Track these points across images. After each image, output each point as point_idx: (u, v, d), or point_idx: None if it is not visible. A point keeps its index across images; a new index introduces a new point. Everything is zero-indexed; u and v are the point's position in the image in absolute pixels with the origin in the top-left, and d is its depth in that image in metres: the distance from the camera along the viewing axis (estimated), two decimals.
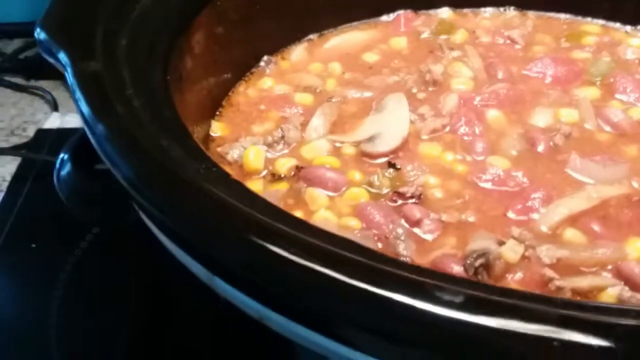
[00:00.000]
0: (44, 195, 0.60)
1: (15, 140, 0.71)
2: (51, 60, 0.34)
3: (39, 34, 0.35)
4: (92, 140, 0.29)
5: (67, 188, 0.41)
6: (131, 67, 0.34)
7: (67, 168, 0.41)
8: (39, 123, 0.73)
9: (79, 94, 0.30)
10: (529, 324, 0.20)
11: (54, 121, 0.74)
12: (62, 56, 0.33)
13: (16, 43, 0.84)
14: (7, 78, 0.79)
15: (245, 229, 0.23)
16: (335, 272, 0.21)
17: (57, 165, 0.41)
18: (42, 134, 0.69)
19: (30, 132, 0.72)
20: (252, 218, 0.24)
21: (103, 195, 0.40)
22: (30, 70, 0.80)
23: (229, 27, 0.48)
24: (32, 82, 0.79)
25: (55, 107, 0.76)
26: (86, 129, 0.29)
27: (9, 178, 0.63)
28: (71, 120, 0.74)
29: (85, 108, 0.29)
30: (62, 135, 0.69)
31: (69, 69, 0.32)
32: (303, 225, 0.25)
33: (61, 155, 0.42)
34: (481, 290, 0.21)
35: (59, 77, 0.78)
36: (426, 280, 0.21)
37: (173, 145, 0.29)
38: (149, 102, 0.32)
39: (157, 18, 0.40)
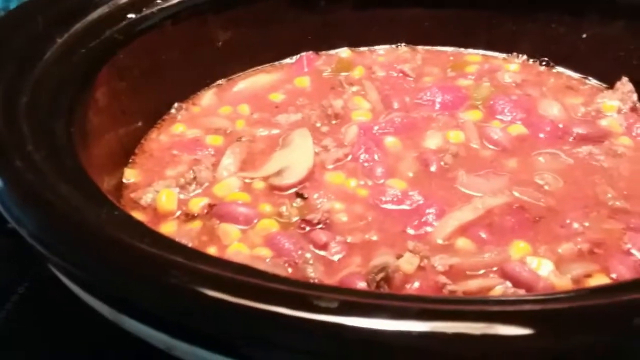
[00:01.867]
0: None
1: None
2: None
3: None
4: None
5: None
6: (32, 123, 0.36)
7: None
8: None
9: None
10: (397, 320, 0.23)
11: None
12: None
13: None
14: None
15: (146, 266, 0.25)
16: (223, 294, 0.23)
17: None
18: None
19: None
20: (149, 255, 0.26)
21: (17, 251, 0.40)
22: None
23: (134, 79, 0.50)
24: None
25: None
26: None
27: None
28: None
29: None
30: None
31: None
32: (199, 256, 0.27)
33: None
34: (357, 295, 0.24)
35: None
36: (307, 292, 0.23)
37: (74, 194, 0.30)
38: (50, 155, 0.33)
39: (59, 75, 0.41)
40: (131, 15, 0.48)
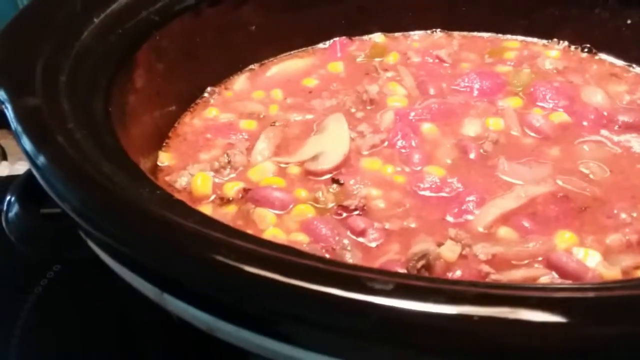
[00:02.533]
0: None
1: None
2: None
3: None
4: (36, 173, 0.29)
5: (16, 229, 0.40)
6: (72, 101, 0.35)
7: (15, 209, 0.41)
8: None
9: (19, 128, 0.31)
10: (452, 305, 0.22)
11: (2, 170, 0.73)
12: (1, 94, 0.33)
13: None
14: None
15: (193, 244, 0.24)
16: (274, 274, 0.23)
17: (5, 208, 0.41)
18: None
19: None
20: (196, 234, 0.25)
21: (53, 233, 0.40)
22: None
23: (170, 61, 0.49)
24: None
25: (3, 156, 0.75)
26: (29, 161, 0.30)
27: None
28: (20, 168, 0.73)
29: (26, 141, 0.30)
30: (11, 183, 0.68)
31: (8, 105, 0.32)
32: (244, 236, 0.26)
33: (8, 197, 0.41)
34: (410, 279, 0.23)
35: (6, 126, 0.78)
36: (360, 274, 0.23)
37: (116, 172, 0.30)
38: (91, 134, 0.33)
39: (97, 54, 0.41)
40: None
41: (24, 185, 0.41)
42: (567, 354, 0.21)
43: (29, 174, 0.41)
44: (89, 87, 0.38)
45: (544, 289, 0.24)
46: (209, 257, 0.24)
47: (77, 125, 0.33)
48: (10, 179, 0.70)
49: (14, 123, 0.31)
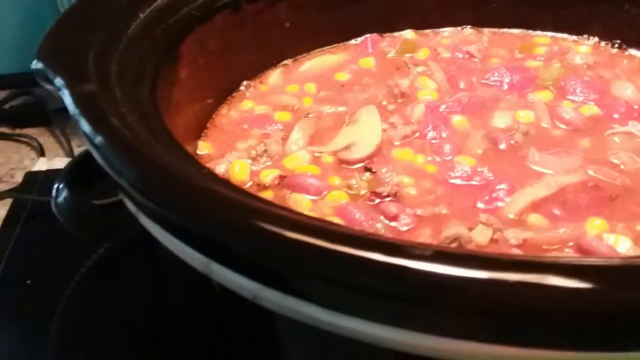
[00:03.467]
0: (37, 234, 0.62)
1: (3, 187, 0.73)
2: (49, 86, 0.37)
3: (36, 64, 0.38)
4: (94, 152, 0.32)
5: (65, 212, 0.43)
6: (122, 89, 0.37)
7: (63, 194, 0.43)
8: (26, 169, 0.75)
9: (77, 112, 0.33)
10: (495, 272, 0.23)
11: (41, 166, 0.76)
12: (58, 80, 0.36)
13: (0, 94, 0.87)
14: None
15: (242, 213, 0.26)
16: (319, 240, 0.24)
17: (54, 194, 0.43)
18: (31, 176, 0.71)
19: (18, 178, 0.74)
20: (245, 205, 0.27)
21: (99, 215, 0.43)
22: (16, 119, 0.83)
23: (210, 55, 0.51)
24: (18, 131, 0.82)
25: (41, 152, 0.78)
26: (87, 142, 0.32)
27: None
28: (59, 164, 0.76)
29: (84, 123, 0.32)
30: (50, 177, 0.71)
31: (66, 91, 0.35)
32: (289, 210, 0.28)
33: (56, 185, 0.44)
34: (447, 248, 0.24)
35: (45, 124, 0.82)
36: (398, 242, 0.24)
37: (167, 153, 0.32)
38: (141, 118, 0.35)
39: (143, 47, 0.43)
40: None
41: (70, 173, 0.44)
42: (595, 318, 0.22)
43: (73, 163, 0.44)
44: (136, 77, 0.40)
45: (575, 259, 0.25)
46: (258, 225, 0.25)
47: (128, 110, 0.35)
48: (49, 173, 0.73)
49: (72, 107, 0.34)
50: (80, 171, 0.42)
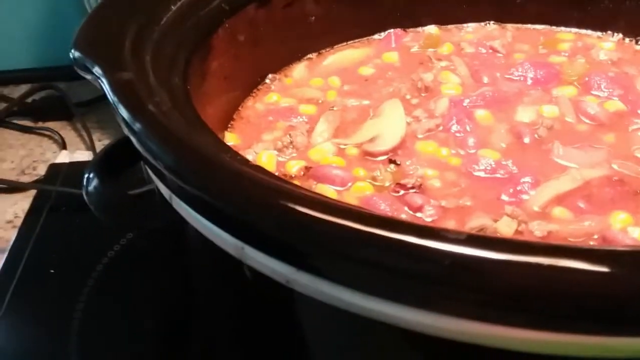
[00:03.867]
0: (60, 225, 0.63)
1: (26, 179, 0.74)
2: (87, 75, 0.38)
3: (74, 54, 0.39)
4: (132, 137, 0.33)
5: (96, 200, 0.44)
6: (156, 78, 0.39)
7: (94, 183, 0.44)
8: (48, 162, 0.77)
9: (115, 99, 0.34)
10: (527, 256, 0.23)
11: (63, 158, 0.77)
12: (97, 69, 0.37)
13: (23, 88, 0.89)
14: (16, 121, 0.84)
15: (277, 196, 0.27)
16: (354, 223, 0.25)
17: (84, 183, 0.44)
18: (54, 168, 0.73)
19: (41, 170, 0.76)
20: (280, 188, 0.28)
21: (130, 203, 0.44)
22: (38, 113, 0.85)
23: (238, 48, 0.52)
24: (40, 124, 0.84)
25: (63, 145, 0.80)
26: (125, 128, 0.33)
27: (22, 215, 0.66)
28: (80, 156, 0.78)
29: (123, 110, 0.33)
30: (73, 168, 0.72)
31: (104, 79, 0.36)
32: (322, 195, 0.29)
33: (86, 175, 0.45)
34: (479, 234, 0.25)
35: (66, 117, 0.84)
36: (432, 226, 0.25)
37: (201, 139, 0.33)
38: (176, 107, 0.36)
39: (175, 38, 0.44)
40: None
41: (100, 163, 0.45)
42: (619, 302, 0.23)
43: (103, 153, 0.45)
44: (169, 67, 0.41)
45: (608, 247, 0.25)
46: (292, 208, 0.26)
47: (163, 98, 0.36)
48: (72, 165, 0.74)
49: (110, 95, 0.35)
50: (110, 160, 0.43)
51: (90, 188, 0.44)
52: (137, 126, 0.32)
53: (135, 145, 0.32)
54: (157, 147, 0.31)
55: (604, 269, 0.23)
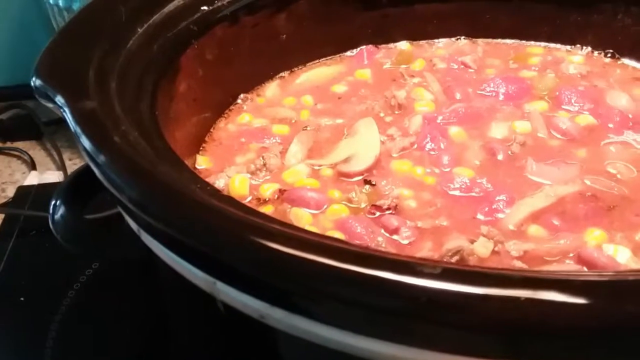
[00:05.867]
0: (30, 249, 0.61)
1: None
2: (48, 104, 0.37)
3: (35, 82, 0.38)
4: (95, 169, 0.31)
5: (63, 229, 0.42)
6: (122, 105, 0.37)
7: (61, 211, 0.43)
8: (17, 183, 0.75)
9: (78, 130, 0.33)
10: (503, 289, 0.23)
11: (32, 179, 0.75)
12: (59, 98, 0.36)
13: None
14: None
15: (247, 231, 0.26)
16: (329, 260, 0.24)
17: (51, 211, 0.43)
18: (22, 190, 0.71)
19: (10, 192, 0.73)
20: (250, 222, 0.27)
21: (97, 232, 0.42)
22: (6, 133, 0.83)
23: (206, 69, 0.51)
24: (8, 144, 0.81)
25: (33, 166, 0.78)
26: (88, 160, 0.32)
27: None
28: (50, 177, 0.76)
29: (85, 141, 0.32)
30: (43, 190, 0.70)
31: (66, 109, 0.35)
32: (294, 227, 0.28)
33: (53, 202, 0.43)
34: (455, 265, 0.24)
35: (35, 137, 0.81)
36: (407, 260, 0.24)
37: (169, 169, 0.32)
38: (142, 135, 0.35)
39: (142, 62, 0.43)
40: (204, 8, 0.50)
41: (67, 190, 0.43)
42: (603, 333, 0.22)
43: (71, 179, 0.44)
44: (136, 93, 0.40)
45: (584, 274, 0.25)
46: (264, 245, 0.25)
47: (129, 127, 0.35)
48: (41, 187, 0.72)
49: (73, 125, 0.34)
50: (77, 187, 0.42)
51: (57, 217, 0.43)
52: (100, 158, 0.31)
53: (100, 178, 0.31)
54: (122, 180, 0.29)
55: (581, 300, 0.22)
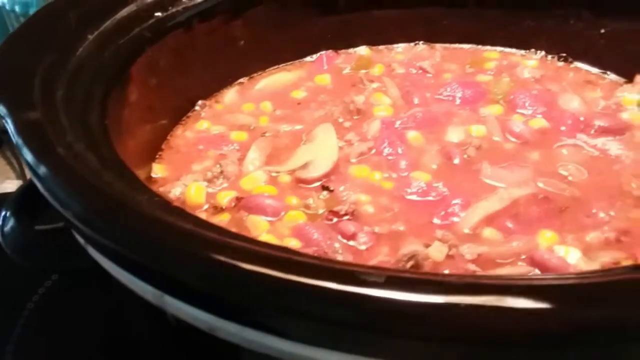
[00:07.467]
0: None
1: None
2: None
3: None
4: (37, 183, 0.30)
5: (12, 242, 0.41)
6: (69, 115, 0.36)
7: (10, 223, 0.41)
8: None
9: (20, 141, 0.32)
10: (445, 296, 0.23)
11: None
12: (1, 108, 0.34)
13: None
14: None
15: (194, 244, 0.26)
16: (273, 271, 0.24)
17: (1, 223, 0.42)
18: None
19: None
20: (197, 235, 0.26)
21: (48, 245, 0.41)
22: None
23: (162, 76, 0.51)
24: None
25: None
26: (30, 172, 0.31)
27: None
28: (8, 187, 0.74)
29: (27, 153, 0.31)
30: (1, 200, 0.68)
31: (8, 119, 0.33)
32: (241, 237, 0.28)
33: (3, 213, 0.42)
34: (400, 272, 0.24)
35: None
36: (352, 269, 0.24)
37: (115, 181, 0.31)
38: (89, 146, 0.34)
39: (92, 70, 0.42)
40: (158, 14, 0.49)
41: (18, 201, 0.42)
42: (551, 338, 0.23)
43: (22, 190, 0.43)
44: (85, 102, 0.39)
45: (527, 278, 0.25)
46: (209, 257, 0.25)
47: (75, 138, 0.34)
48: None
49: (14, 136, 0.33)
50: (29, 198, 0.41)
51: (7, 229, 0.41)
52: (42, 171, 0.30)
53: (42, 192, 0.30)
54: (64, 193, 0.29)
55: (538, 305, 0.23)
